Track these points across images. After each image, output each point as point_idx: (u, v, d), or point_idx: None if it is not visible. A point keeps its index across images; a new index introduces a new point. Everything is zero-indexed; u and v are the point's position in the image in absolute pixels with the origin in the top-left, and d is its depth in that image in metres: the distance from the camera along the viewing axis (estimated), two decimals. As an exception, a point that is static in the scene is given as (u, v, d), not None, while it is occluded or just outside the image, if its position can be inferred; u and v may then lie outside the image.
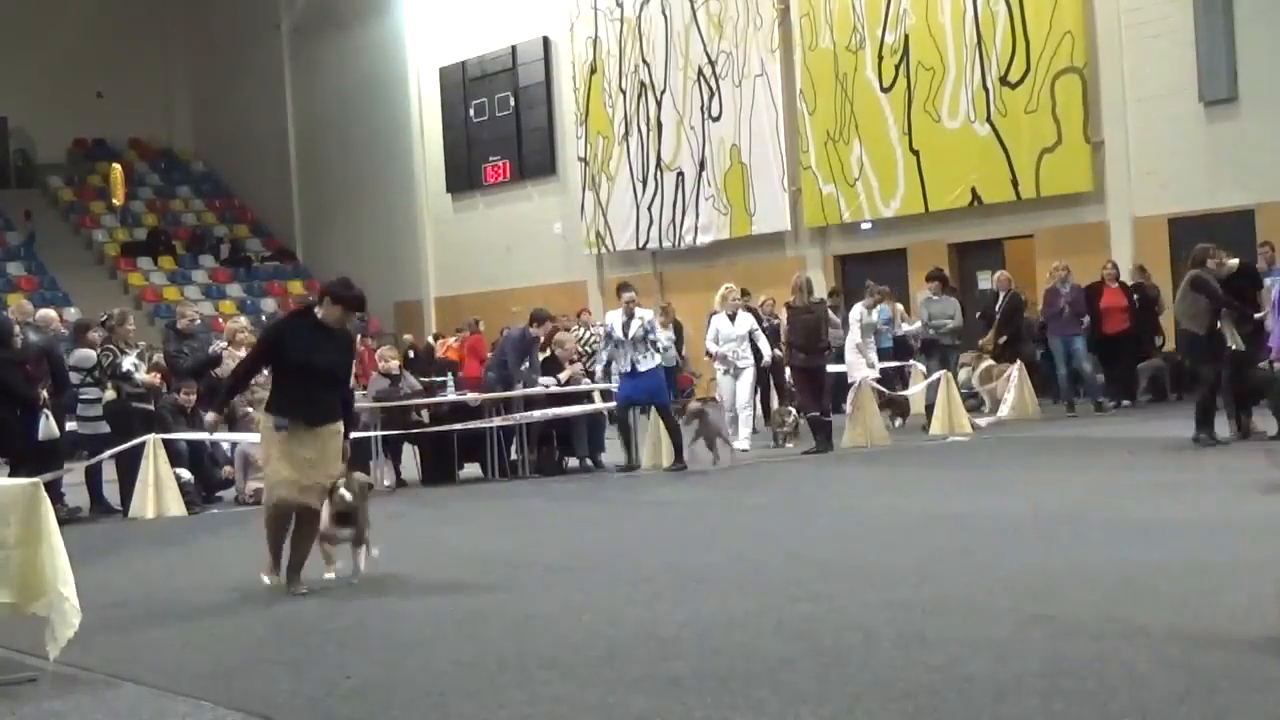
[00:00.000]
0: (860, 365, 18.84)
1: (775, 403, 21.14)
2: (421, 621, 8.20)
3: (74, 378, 15.40)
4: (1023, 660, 6.33)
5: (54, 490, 14.29)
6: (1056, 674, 6.04)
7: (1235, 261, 15.80)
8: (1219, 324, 15.07)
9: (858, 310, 19.38)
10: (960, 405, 19.07)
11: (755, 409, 19.36)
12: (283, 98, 41.33)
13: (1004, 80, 25.10)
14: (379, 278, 38.36)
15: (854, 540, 10.36)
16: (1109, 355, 21.48)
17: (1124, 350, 21.52)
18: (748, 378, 18.36)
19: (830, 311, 21.11)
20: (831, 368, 18.84)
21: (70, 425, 15.37)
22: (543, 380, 17.78)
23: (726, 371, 18.40)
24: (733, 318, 18.37)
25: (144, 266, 39.69)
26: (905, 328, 21.74)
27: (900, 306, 23.03)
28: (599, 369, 18.19)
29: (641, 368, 16.50)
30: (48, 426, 14.38)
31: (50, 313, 19.18)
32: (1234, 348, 14.98)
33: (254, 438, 15.77)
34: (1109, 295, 21.34)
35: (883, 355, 20.47)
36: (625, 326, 16.62)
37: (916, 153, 26.40)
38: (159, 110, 44.39)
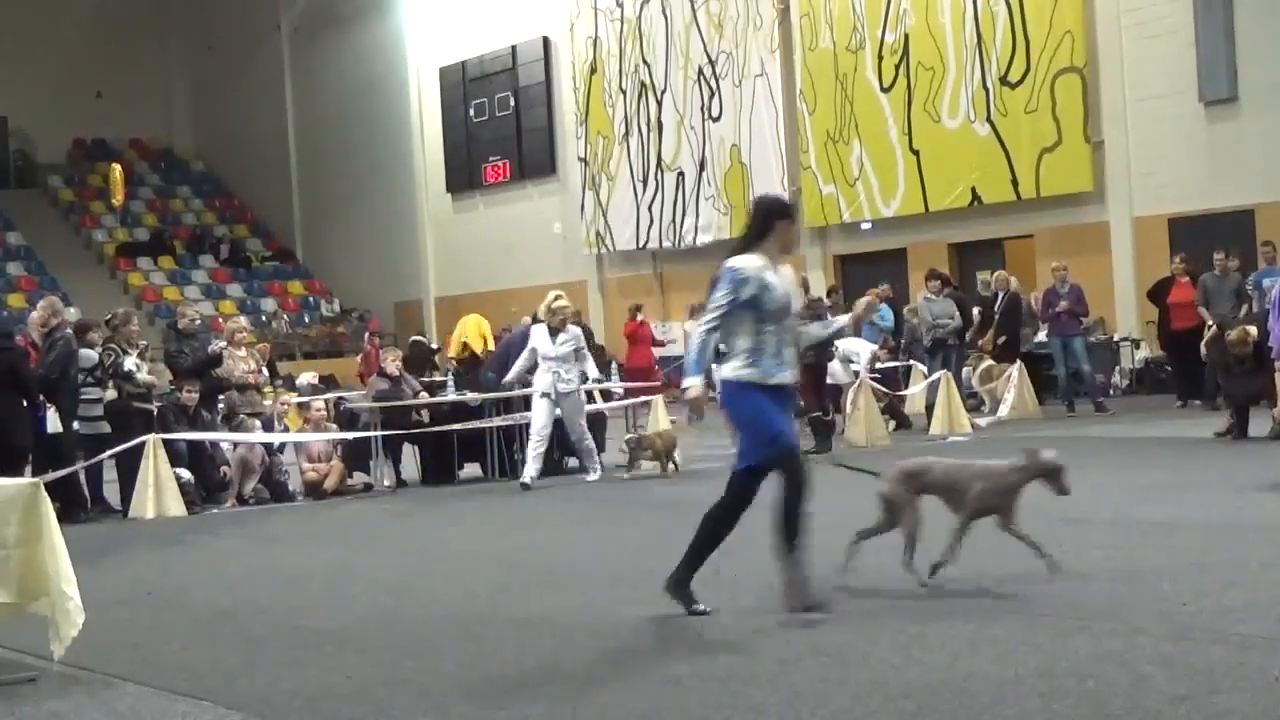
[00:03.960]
0: (842, 373, 18.88)
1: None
2: (422, 622, 8.19)
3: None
4: (1023, 660, 6.32)
5: (75, 491, 14.39)
6: (1056, 674, 6.04)
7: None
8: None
9: (870, 352, 19.33)
10: (960, 405, 19.08)
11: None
12: (283, 98, 41.36)
13: (1004, 80, 25.11)
14: (379, 278, 38.43)
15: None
16: (1181, 353, 19.94)
17: (1194, 347, 18.80)
18: (578, 403, 15.73)
19: (828, 311, 21.01)
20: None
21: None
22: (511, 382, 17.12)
23: (545, 395, 15.47)
24: (555, 332, 15.70)
25: (144, 266, 39.73)
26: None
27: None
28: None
29: None
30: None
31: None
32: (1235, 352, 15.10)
33: (255, 438, 15.86)
34: (1178, 290, 20.15)
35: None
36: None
37: (916, 153, 26.41)
38: (159, 110, 44.43)
